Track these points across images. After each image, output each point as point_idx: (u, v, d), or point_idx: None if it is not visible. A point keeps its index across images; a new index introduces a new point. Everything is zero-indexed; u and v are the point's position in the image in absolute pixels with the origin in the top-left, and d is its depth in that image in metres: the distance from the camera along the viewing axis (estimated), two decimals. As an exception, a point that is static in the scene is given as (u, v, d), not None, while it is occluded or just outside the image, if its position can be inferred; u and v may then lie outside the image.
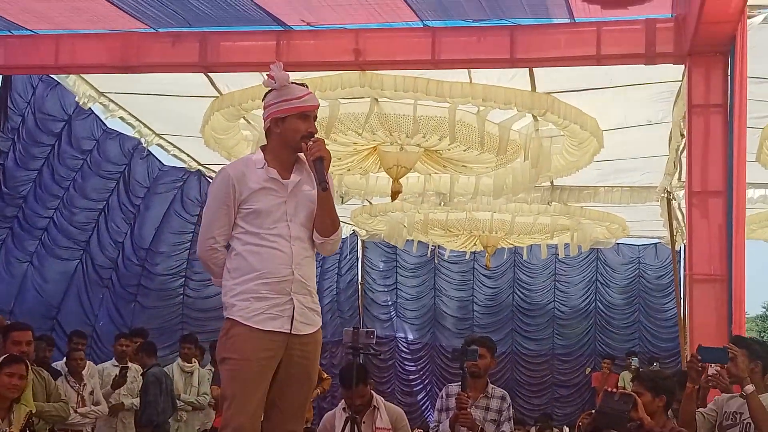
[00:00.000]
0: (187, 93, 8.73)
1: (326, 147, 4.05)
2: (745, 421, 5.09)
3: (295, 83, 4.13)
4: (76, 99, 8.90)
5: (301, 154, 4.12)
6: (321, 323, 4.16)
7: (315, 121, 4.14)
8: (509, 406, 6.11)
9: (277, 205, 4.02)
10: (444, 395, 6.19)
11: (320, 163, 3.98)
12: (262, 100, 4.20)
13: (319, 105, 4.18)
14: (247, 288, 3.97)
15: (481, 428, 5.88)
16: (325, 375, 11.78)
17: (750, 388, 4.98)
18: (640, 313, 18.79)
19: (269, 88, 4.13)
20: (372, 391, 6.54)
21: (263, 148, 4.17)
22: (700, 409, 5.32)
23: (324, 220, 4.08)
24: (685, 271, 6.70)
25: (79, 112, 10.19)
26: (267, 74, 4.09)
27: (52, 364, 8.69)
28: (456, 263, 18.52)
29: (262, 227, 4.01)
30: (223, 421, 3.98)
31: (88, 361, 9.31)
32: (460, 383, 5.97)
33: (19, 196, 10.13)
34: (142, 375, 9.34)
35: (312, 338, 4.08)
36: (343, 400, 6.48)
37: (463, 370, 5.90)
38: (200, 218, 13.29)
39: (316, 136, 4.09)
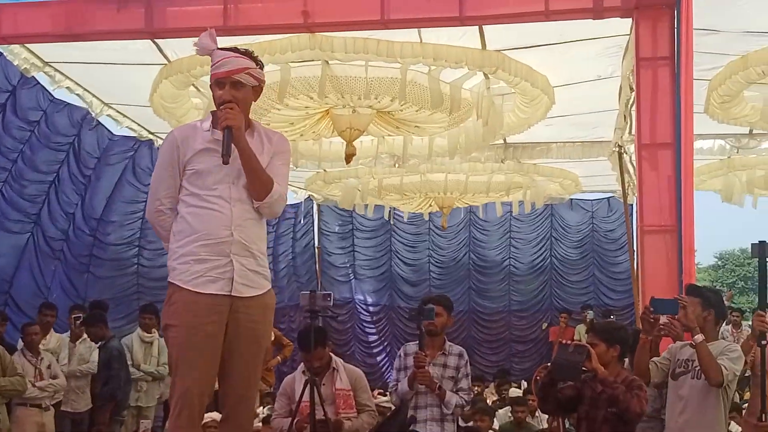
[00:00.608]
0: (134, 61, 8.59)
1: (236, 114, 3.93)
2: (696, 368, 5.22)
3: (224, 48, 4.05)
4: (18, 66, 8.70)
5: (254, 123, 4.11)
6: (269, 286, 4.12)
7: (239, 87, 3.99)
8: (467, 362, 6.17)
9: (219, 166, 3.96)
10: (402, 354, 6.23)
11: (227, 133, 3.90)
12: None
13: (235, 70, 3.98)
14: (188, 250, 3.96)
15: (439, 385, 5.93)
16: (286, 341, 11.83)
17: (699, 337, 5.09)
18: (594, 267, 19.05)
19: None
20: (331, 353, 6.58)
21: (213, 113, 4.12)
22: (654, 359, 5.44)
23: (252, 185, 3.99)
24: (637, 223, 6.78)
25: (24, 82, 9.96)
26: (194, 43, 4.07)
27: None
28: (411, 224, 18.58)
29: (203, 188, 3.99)
30: (170, 388, 4.00)
31: (57, 335, 9.27)
32: (417, 342, 6.01)
33: (-41, 167, 9.93)
34: (100, 348, 9.21)
35: (258, 301, 4.04)
36: (302, 363, 6.51)
37: (420, 329, 5.94)
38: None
39: (231, 103, 3.97)
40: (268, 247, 14.55)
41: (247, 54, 4.08)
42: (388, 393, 8.36)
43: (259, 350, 4.15)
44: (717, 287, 34.76)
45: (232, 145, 3.91)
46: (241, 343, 4.00)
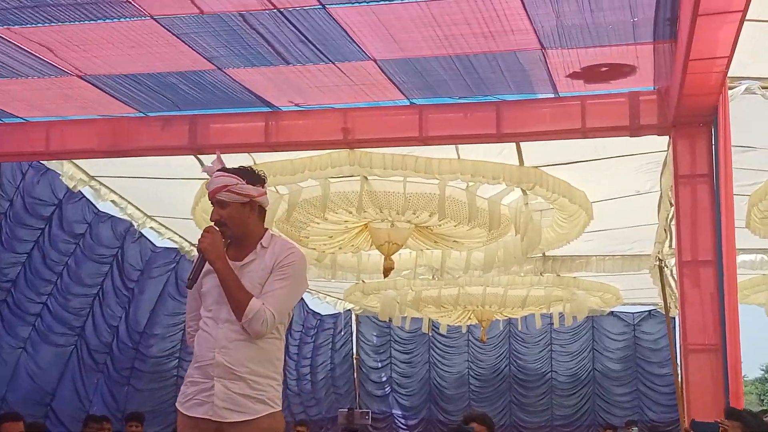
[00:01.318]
0: (177, 176, 8.77)
1: (211, 237, 3.94)
2: (740, 494, 5.04)
3: (221, 169, 4.07)
4: (65, 182, 8.92)
5: (265, 238, 4.08)
6: (268, 411, 3.91)
7: (224, 205, 3.99)
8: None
9: (216, 287, 3.95)
10: (441, 474, 6.10)
11: (200, 254, 3.94)
12: None
13: (214, 189, 3.99)
14: (188, 373, 3.99)
15: None
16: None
17: None
18: (638, 380, 18.68)
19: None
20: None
21: None
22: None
23: (230, 306, 3.91)
24: (679, 340, 6.65)
25: (69, 196, 10.19)
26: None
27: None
28: (450, 336, 18.43)
29: (204, 310, 4.01)
30: None
31: None
32: (457, 462, 5.89)
33: (6, 280, 10.06)
34: None
35: (249, 426, 3.86)
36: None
37: (459, 449, 5.84)
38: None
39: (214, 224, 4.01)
40: (306, 358, 14.57)
41: (236, 171, 4.06)
42: None
43: None
44: (766, 401, 33.78)
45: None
46: None
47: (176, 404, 3.99)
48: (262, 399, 3.89)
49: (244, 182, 4.02)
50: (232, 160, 7.79)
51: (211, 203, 4.06)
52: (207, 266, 3.97)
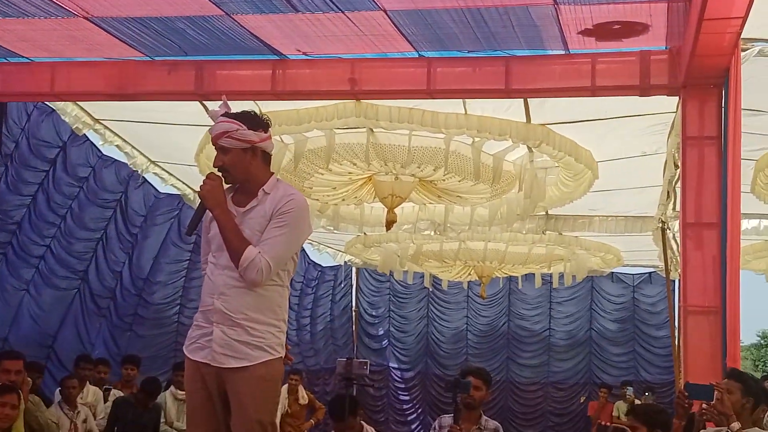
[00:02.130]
0: (182, 121, 8.73)
1: (211, 183, 3.96)
2: (731, 455, 5.07)
3: (224, 114, 4.06)
4: (71, 125, 8.91)
5: (268, 184, 4.06)
6: (266, 358, 3.91)
7: (225, 151, 3.98)
8: (502, 439, 6.07)
9: (219, 233, 3.97)
10: (437, 426, 6.14)
11: (200, 204, 3.99)
12: None
13: (216, 135, 3.99)
14: (195, 316, 4.05)
15: (474, 460, 5.84)
16: (318, 404, 11.74)
17: (736, 425, 4.96)
18: (635, 342, 18.78)
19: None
20: (362, 422, 6.52)
21: None
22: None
23: (228, 251, 3.93)
24: (679, 301, 6.67)
25: (74, 138, 10.17)
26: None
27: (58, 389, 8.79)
28: (450, 292, 18.49)
29: (211, 255, 4.04)
30: None
31: (93, 388, 9.29)
32: (452, 415, 5.92)
33: (11, 222, 10.08)
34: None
35: (245, 372, 3.87)
36: (333, 431, 6.45)
37: (456, 402, 5.86)
38: (196, 246, 13.34)
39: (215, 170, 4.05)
40: (306, 309, 14.63)
41: (238, 116, 4.03)
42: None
43: (248, 422, 3.87)
44: (761, 367, 34.02)
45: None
46: (232, 414, 3.93)
47: (183, 347, 4.05)
48: (260, 345, 3.90)
49: (245, 128, 3.99)
50: (238, 108, 7.82)
51: (215, 149, 4.05)
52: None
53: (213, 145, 4.05)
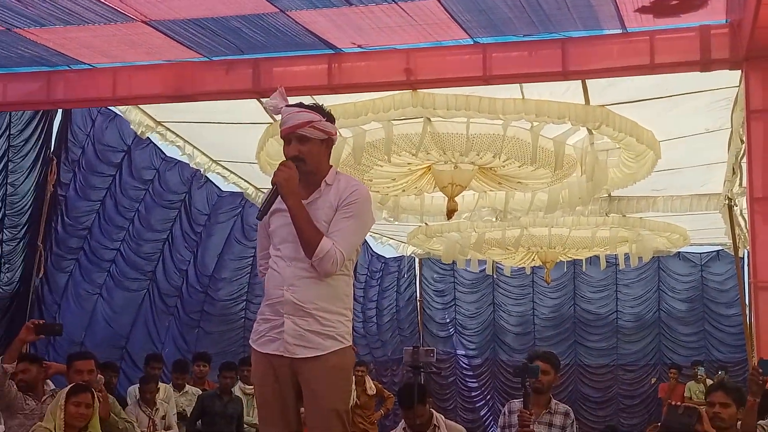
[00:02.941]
0: (241, 120, 8.84)
1: (287, 170, 3.95)
2: (805, 432, 4.99)
3: (292, 105, 4.09)
4: (134, 129, 9.07)
5: (329, 175, 4.10)
6: (338, 347, 3.96)
7: (305, 141, 4.02)
8: (573, 422, 6.03)
9: (284, 225, 4.00)
10: (506, 412, 6.14)
11: (273, 190, 3.99)
12: None
13: (299, 124, 4.00)
14: (260, 310, 4.07)
15: (545, 444, 5.83)
16: (387, 393, 11.80)
17: None
18: (705, 321, 18.50)
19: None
20: (432, 410, 6.54)
21: None
22: (760, 422, 5.22)
23: (300, 243, 3.93)
24: (749, 278, 6.55)
25: (137, 142, 10.38)
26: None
27: (131, 387, 9.09)
28: (515, 277, 18.42)
29: (273, 248, 4.07)
30: None
31: (163, 385, 9.48)
32: (522, 400, 5.92)
33: (81, 227, 10.32)
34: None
35: (318, 362, 3.91)
36: (403, 420, 6.48)
37: (525, 386, 5.84)
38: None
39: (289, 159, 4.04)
40: (372, 301, 14.73)
41: (314, 108, 4.09)
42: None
43: (322, 411, 3.93)
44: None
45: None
46: (306, 404, 3.99)
47: (249, 341, 4.08)
48: (331, 335, 3.95)
49: (324, 119, 4.06)
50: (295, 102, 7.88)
51: (285, 139, 4.07)
52: (277, 205, 4.01)
53: (288, 134, 4.04)
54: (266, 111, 8.30)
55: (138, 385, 8.85)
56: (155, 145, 10.71)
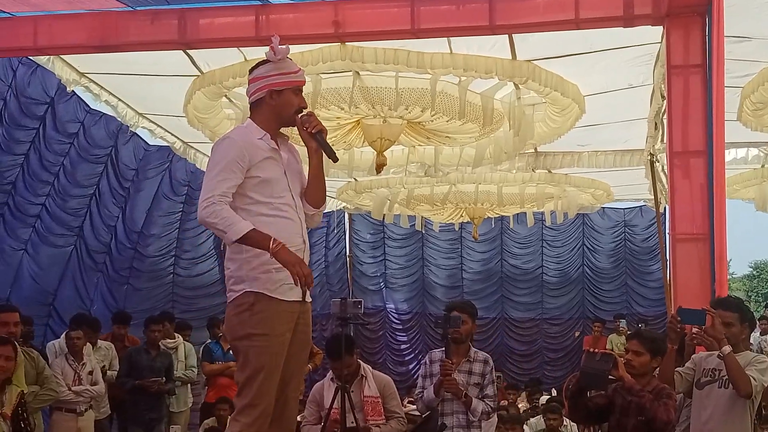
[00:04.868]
0: (168, 72, 8.70)
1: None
2: (723, 378, 5.18)
3: (288, 58, 4.16)
4: (59, 80, 8.87)
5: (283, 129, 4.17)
6: None
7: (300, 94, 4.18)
8: (492, 369, 6.17)
9: (281, 175, 4.05)
10: (427, 361, 6.24)
11: (322, 136, 4.11)
12: (250, 71, 4.18)
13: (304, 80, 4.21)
14: (266, 259, 3.88)
15: (465, 392, 5.95)
16: (316, 349, 11.86)
17: (727, 348, 5.05)
18: (627, 276, 18.95)
19: (260, 61, 4.15)
20: (359, 360, 6.62)
21: (253, 119, 4.13)
22: (678, 369, 5.40)
23: (319, 191, 4.17)
24: (669, 231, 6.75)
25: (61, 94, 10.14)
26: (270, 46, 4.07)
27: (50, 342, 8.95)
28: (444, 232, 18.58)
29: (272, 197, 4.00)
30: (248, 398, 3.89)
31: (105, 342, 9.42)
32: (443, 349, 6.02)
33: (6, 182, 10.09)
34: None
35: (309, 306, 4.12)
36: (331, 371, 6.55)
37: (446, 337, 5.94)
38: (189, 197, 13.34)
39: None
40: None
41: None
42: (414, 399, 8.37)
43: (305, 357, 4.21)
44: (753, 298, 34.31)
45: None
46: (299, 347, 4.06)
47: (261, 290, 3.92)
48: None
49: None
50: (222, 55, 7.80)
51: (298, 90, 4.15)
52: (265, 153, 4.00)
53: (301, 85, 4.17)
54: (192, 62, 8.18)
55: (61, 339, 8.75)
56: (79, 97, 10.48)
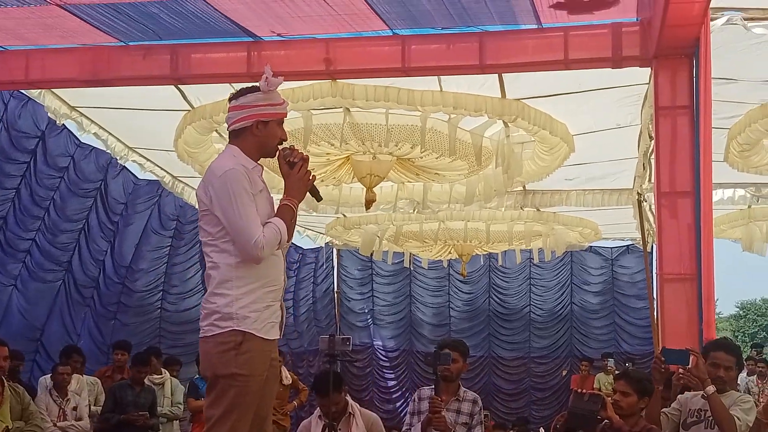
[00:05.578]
0: (158, 107, 8.73)
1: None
2: (708, 418, 5.17)
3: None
4: (49, 115, 8.88)
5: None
6: None
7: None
8: (480, 409, 6.16)
9: (271, 209, 4.03)
10: (416, 398, 6.22)
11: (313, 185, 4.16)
12: (234, 97, 4.08)
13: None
14: (256, 297, 3.86)
15: (453, 431, 5.92)
16: (302, 386, 11.79)
17: (711, 389, 5.04)
18: (615, 314, 18.95)
19: (244, 88, 4.08)
20: (347, 398, 6.59)
21: (238, 149, 4.04)
22: (664, 410, 5.39)
23: (291, 227, 4.06)
24: (656, 271, 6.77)
25: (52, 128, 10.14)
26: (264, 76, 4.01)
27: (42, 377, 8.82)
28: (431, 269, 18.57)
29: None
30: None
31: (77, 376, 9.30)
32: (432, 386, 6.01)
33: (-3, 218, 10.06)
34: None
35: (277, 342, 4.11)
36: (318, 408, 6.51)
37: (436, 374, 5.93)
38: (177, 232, 13.30)
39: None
40: (288, 292, 14.68)
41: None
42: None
43: (277, 385, 4.28)
44: (740, 337, 34.34)
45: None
46: (272, 382, 4.05)
47: (249, 330, 3.85)
48: None
49: None
50: (213, 90, 7.83)
51: (280, 123, 4.13)
52: (259, 185, 3.98)
53: (284, 120, 4.16)
54: (183, 97, 8.22)
55: (50, 375, 8.69)
56: (69, 131, 10.48)
